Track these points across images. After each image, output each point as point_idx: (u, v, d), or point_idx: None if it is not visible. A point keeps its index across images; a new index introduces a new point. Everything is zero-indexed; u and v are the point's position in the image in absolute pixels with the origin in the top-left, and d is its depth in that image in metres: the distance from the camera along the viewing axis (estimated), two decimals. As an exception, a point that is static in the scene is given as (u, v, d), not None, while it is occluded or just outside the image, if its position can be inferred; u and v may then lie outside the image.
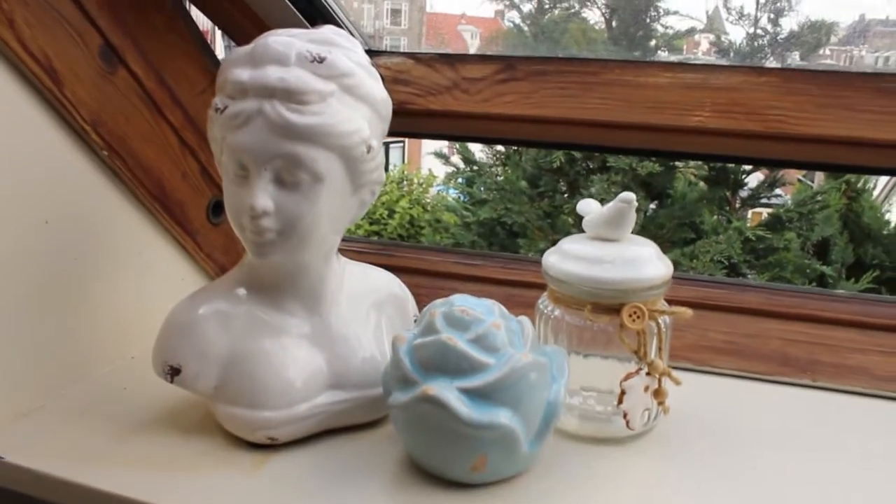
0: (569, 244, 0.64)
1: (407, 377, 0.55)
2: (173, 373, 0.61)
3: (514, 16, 5.87)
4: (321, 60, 0.55)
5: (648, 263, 0.62)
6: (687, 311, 0.63)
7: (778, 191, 4.68)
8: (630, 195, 0.62)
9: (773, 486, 0.60)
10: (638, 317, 0.60)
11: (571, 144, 1.33)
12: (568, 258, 0.63)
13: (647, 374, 0.62)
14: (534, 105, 0.88)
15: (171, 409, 0.68)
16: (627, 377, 0.61)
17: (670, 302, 0.65)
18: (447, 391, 0.53)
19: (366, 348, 0.64)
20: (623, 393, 0.61)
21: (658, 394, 0.63)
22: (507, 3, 5.68)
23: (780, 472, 0.61)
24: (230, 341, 0.61)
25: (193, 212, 0.82)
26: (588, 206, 0.66)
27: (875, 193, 4.80)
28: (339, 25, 0.81)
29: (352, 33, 0.78)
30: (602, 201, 0.68)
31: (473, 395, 0.53)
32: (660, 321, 0.62)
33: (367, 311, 0.66)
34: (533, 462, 0.59)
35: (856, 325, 0.79)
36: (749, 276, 3.84)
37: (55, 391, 0.69)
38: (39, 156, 0.66)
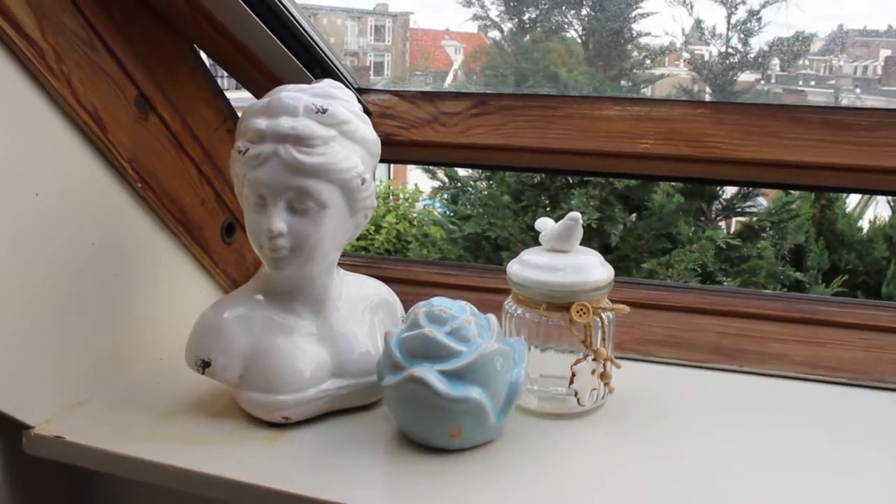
0: (528, 255, 0.78)
1: (396, 363, 0.68)
2: (204, 365, 0.74)
3: (495, 34, 5.98)
4: (324, 111, 0.69)
5: (593, 269, 0.76)
6: (625, 308, 0.76)
7: (760, 199, 4.79)
8: (576, 215, 0.75)
9: (703, 455, 0.71)
10: (584, 313, 0.74)
11: (537, 169, 1.46)
12: (527, 266, 0.77)
13: (594, 359, 0.75)
14: (504, 135, 1.00)
15: (198, 399, 0.80)
16: (577, 362, 0.74)
17: (620, 301, 0.78)
18: (429, 373, 0.66)
19: (362, 344, 0.77)
20: (573, 375, 0.74)
21: (603, 376, 0.76)
22: (489, 21, 5.79)
23: (710, 444, 0.73)
24: (251, 339, 0.74)
25: (210, 233, 0.94)
26: (544, 224, 0.79)
27: (850, 207, 4.93)
28: (334, 72, 0.95)
29: (346, 81, 0.92)
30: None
31: (450, 376, 0.67)
32: (603, 316, 0.76)
33: (362, 313, 0.79)
34: (501, 432, 0.72)
35: (778, 319, 0.92)
36: (724, 282, 3.97)
37: (100, 385, 0.81)
38: (87, 188, 0.78)
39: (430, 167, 5.19)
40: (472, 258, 4.48)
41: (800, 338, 0.90)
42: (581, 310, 0.73)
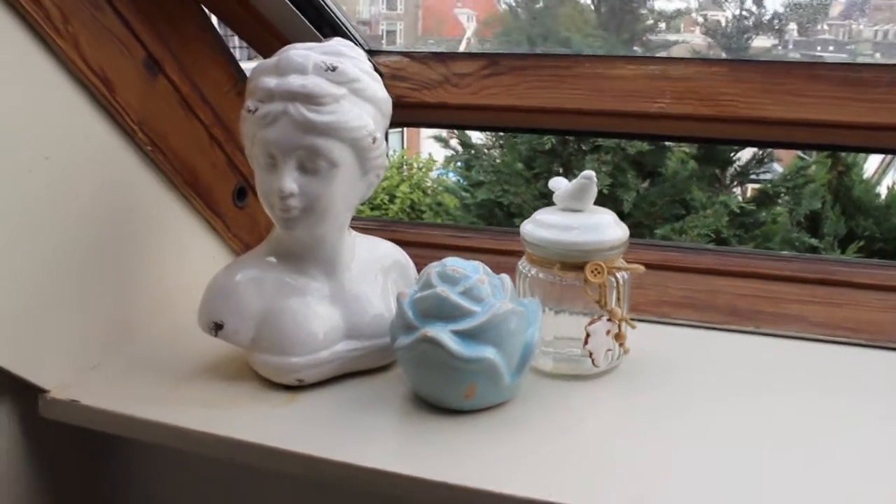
0: (542, 215, 0.77)
1: (409, 324, 0.68)
2: (217, 328, 0.74)
3: (508, 0, 5.93)
4: (333, 69, 0.68)
5: (607, 228, 0.75)
6: (640, 268, 0.75)
7: (775, 165, 4.76)
8: (591, 173, 0.74)
9: (718, 416, 0.71)
10: (599, 272, 0.73)
11: (550, 130, 1.45)
12: (541, 226, 0.76)
13: (609, 320, 0.74)
14: (516, 96, 0.99)
15: (212, 363, 0.79)
16: (591, 322, 0.74)
17: (635, 263, 0.78)
18: (442, 333, 0.66)
19: (375, 306, 0.76)
20: (588, 336, 0.73)
21: (618, 337, 0.75)
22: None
23: (725, 405, 0.72)
24: (263, 301, 0.74)
25: (221, 197, 0.94)
26: (557, 183, 0.78)
27: (868, 173, 4.88)
28: (345, 33, 0.94)
29: (357, 42, 0.90)
30: None
31: (464, 335, 0.66)
32: (618, 276, 0.75)
33: (375, 275, 0.78)
34: (515, 393, 0.72)
35: (795, 280, 0.91)
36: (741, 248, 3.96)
37: (114, 350, 0.81)
38: (97, 152, 0.78)
39: (443, 137, 5.19)
40: (485, 225, 4.48)
41: (817, 299, 0.89)
42: (596, 269, 0.72)
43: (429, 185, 6.73)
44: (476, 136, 4.91)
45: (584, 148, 4.34)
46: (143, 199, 0.84)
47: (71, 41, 0.72)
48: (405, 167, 7.08)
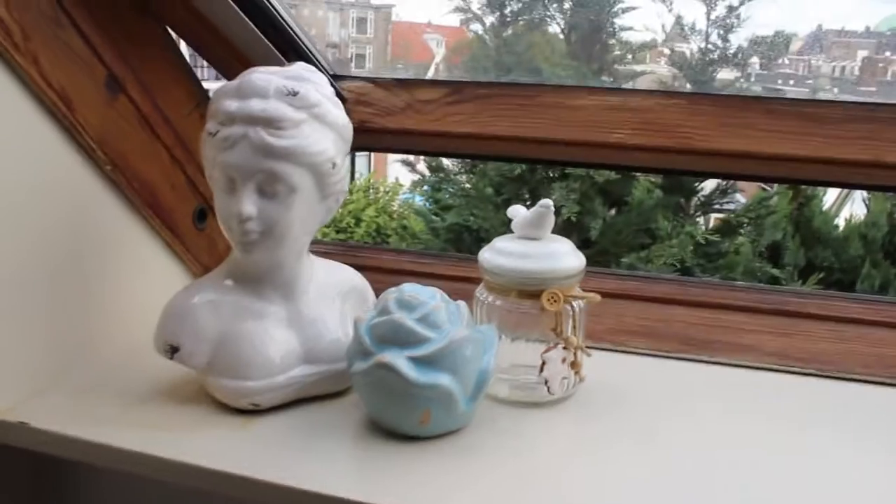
0: (500, 242, 0.78)
1: (366, 349, 0.68)
2: (173, 351, 0.73)
3: (477, 27, 5.98)
4: (295, 94, 0.68)
5: (564, 257, 0.75)
6: (596, 297, 0.76)
7: (738, 195, 4.83)
8: (548, 201, 0.75)
9: (671, 443, 0.71)
10: (555, 300, 0.73)
11: (512, 157, 1.46)
12: (499, 253, 0.76)
13: (564, 348, 0.75)
14: (479, 124, 1.00)
15: (167, 385, 0.78)
16: (547, 350, 0.74)
17: (594, 291, 0.79)
18: (398, 359, 0.66)
19: (332, 330, 0.76)
20: (543, 363, 0.74)
21: (574, 365, 0.76)
22: (470, 14, 5.79)
23: (679, 433, 0.73)
24: (220, 324, 0.73)
25: (181, 218, 0.93)
26: (516, 211, 0.79)
27: (827, 204, 4.98)
28: (308, 57, 0.94)
29: (321, 67, 0.91)
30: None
31: (419, 362, 0.66)
32: (574, 304, 0.75)
33: (332, 299, 0.78)
34: (470, 419, 0.72)
35: (750, 311, 0.92)
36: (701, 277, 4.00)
37: (67, 372, 0.79)
38: (54, 170, 0.77)
39: (410, 161, 5.20)
40: (454, 251, 4.49)
41: (770, 329, 0.91)
42: (552, 297, 0.73)
43: (395, 209, 6.74)
44: (445, 161, 4.93)
45: (552, 175, 4.37)
46: (101, 219, 0.84)
47: (30, 58, 0.71)
48: (371, 191, 7.09)
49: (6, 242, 0.73)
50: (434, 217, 4.75)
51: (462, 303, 0.72)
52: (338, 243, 1.19)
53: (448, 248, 4.48)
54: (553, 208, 0.75)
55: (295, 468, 0.66)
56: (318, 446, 0.70)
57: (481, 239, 4.40)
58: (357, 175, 7.51)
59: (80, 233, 0.81)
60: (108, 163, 0.81)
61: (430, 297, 0.69)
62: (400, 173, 6.56)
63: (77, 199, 0.80)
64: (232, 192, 0.69)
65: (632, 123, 0.95)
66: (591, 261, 0.80)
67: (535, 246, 0.76)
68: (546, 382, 0.74)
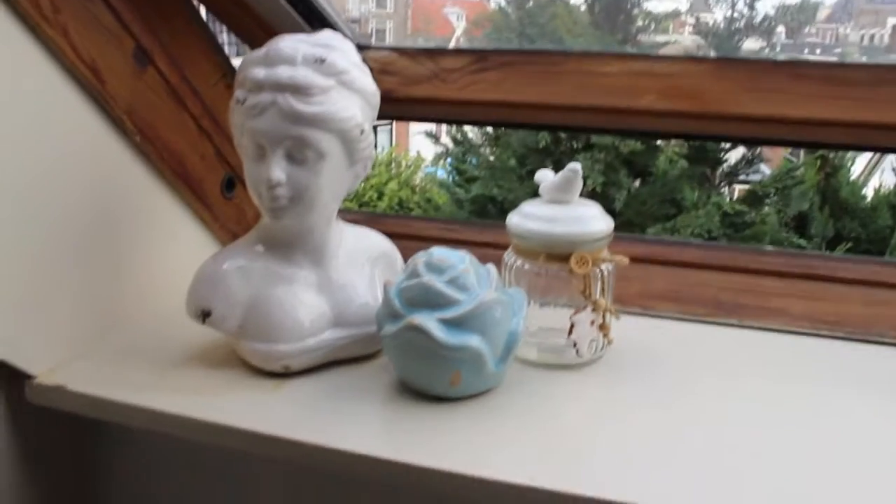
0: (528, 207, 0.78)
1: (396, 312, 0.69)
2: (205, 315, 0.74)
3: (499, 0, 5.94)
4: (322, 61, 0.69)
5: (592, 220, 0.76)
6: (624, 259, 0.76)
7: (763, 166, 4.78)
8: (576, 165, 0.75)
9: (699, 406, 0.72)
10: (583, 263, 0.74)
11: (537, 125, 1.46)
12: (527, 218, 0.77)
13: (593, 310, 0.75)
14: (503, 91, 1.00)
15: (199, 350, 0.80)
16: (576, 312, 0.74)
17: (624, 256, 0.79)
18: (428, 321, 0.66)
19: (361, 295, 0.77)
20: (572, 326, 0.74)
21: (602, 327, 0.76)
22: (492, -15, 5.73)
23: (706, 396, 0.73)
24: (251, 289, 0.74)
25: (210, 188, 0.94)
26: (544, 176, 0.79)
27: (855, 174, 4.91)
28: (333, 27, 0.94)
29: (345, 35, 0.91)
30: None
31: (449, 324, 0.67)
32: (602, 268, 0.76)
33: (362, 264, 0.79)
34: (499, 381, 0.73)
35: (778, 275, 0.92)
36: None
37: (102, 337, 0.81)
38: (86, 141, 0.78)
39: (433, 133, 5.19)
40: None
41: (799, 293, 0.90)
42: (581, 260, 0.73)
43: (417, 182, 6.73)
44: (469, 133, 4.91)
45: (576, 146, 4.35)
46: (131, 190, 0.85)
47: (60, 31, 0.72)
48: (394, 165, 7.08)
49: (41, 212, 0.74)
50: (458, 189, 4.74)
51: (491, 266, 0.72)
52: (364, 213, 1.20)
53: (473, 218, 4.47)
54: (581, 172, 0.75)
55: (326, 429, 0.67)
56: (348, 408, 0.71)
57: (505, 210, 4.38)
58: (379, 149, 7.49)
59: (111, 203, 0.82)
60: (138, 134, 0.82)
61: (459, 260, 0.70)
62: (423, 146, 6.55)
63: (108, 170, 0.82)
64: (261, 158, 0.70)
65: (658, 89, 0.95)
66: (616, 232, 0.80)
67: (563, 210, 0.76)
68: (575, 345, 0.75)
